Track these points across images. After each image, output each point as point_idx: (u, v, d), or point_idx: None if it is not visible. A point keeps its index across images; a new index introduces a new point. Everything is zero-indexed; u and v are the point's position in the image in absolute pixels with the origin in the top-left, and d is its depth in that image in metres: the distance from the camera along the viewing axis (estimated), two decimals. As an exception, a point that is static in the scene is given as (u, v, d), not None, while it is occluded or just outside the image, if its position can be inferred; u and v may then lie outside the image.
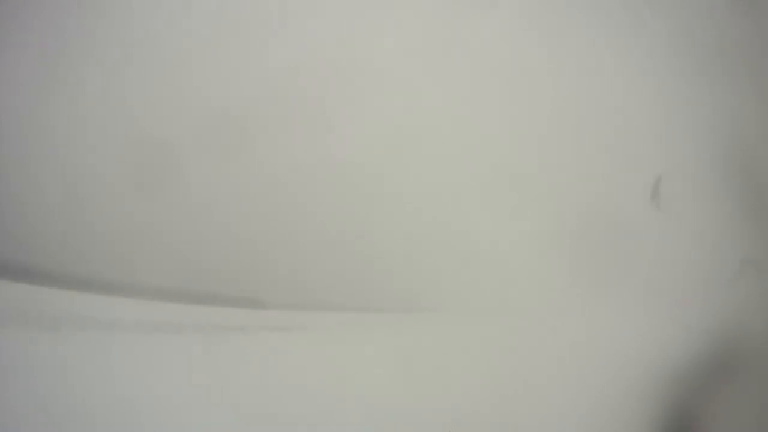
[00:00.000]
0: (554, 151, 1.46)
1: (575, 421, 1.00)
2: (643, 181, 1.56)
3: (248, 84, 1.38)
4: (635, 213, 1.52)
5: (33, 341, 1.24)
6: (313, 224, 1.34)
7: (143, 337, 1.61)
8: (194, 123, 1.36)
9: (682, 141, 1.62)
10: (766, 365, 1.14)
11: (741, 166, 1.66)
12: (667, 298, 1.42)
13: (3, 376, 0.86)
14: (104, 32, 1.44)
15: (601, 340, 1.28)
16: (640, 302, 1.36)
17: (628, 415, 1.05)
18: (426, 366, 1.11)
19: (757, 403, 1.11)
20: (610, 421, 0.95)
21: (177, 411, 0.77)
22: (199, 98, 1.38)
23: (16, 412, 0.61)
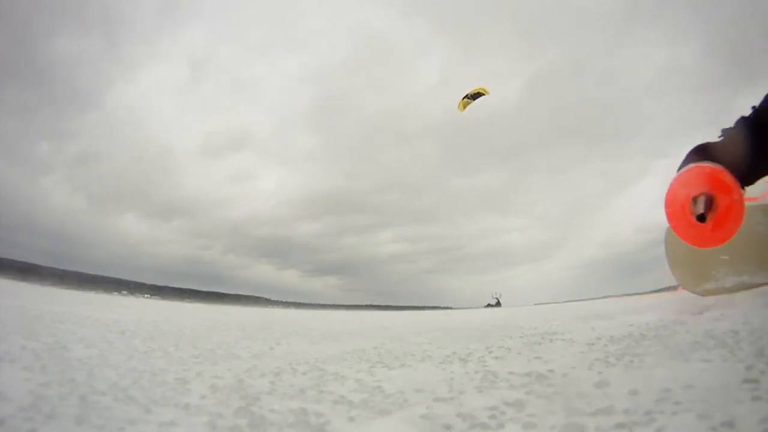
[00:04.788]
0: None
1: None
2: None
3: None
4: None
5: (33, 339, 1.25)
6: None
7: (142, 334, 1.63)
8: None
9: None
10: None
11: None
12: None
13: (3, 372, 0.86)
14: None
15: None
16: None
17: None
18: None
19: None
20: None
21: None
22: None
23: (16, 407, 0.61)
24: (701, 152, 1.62)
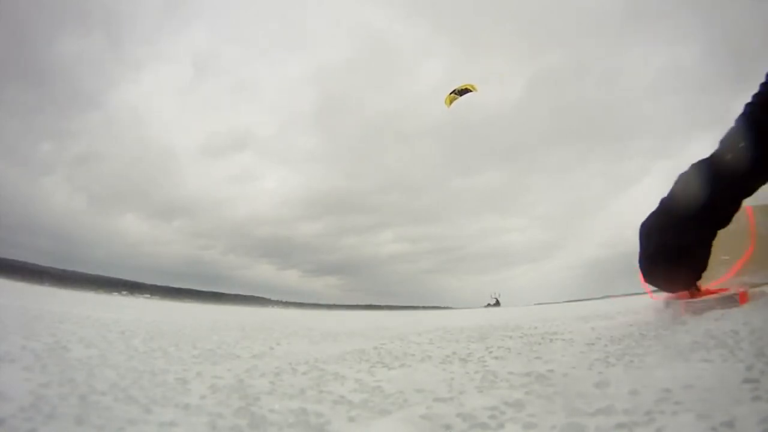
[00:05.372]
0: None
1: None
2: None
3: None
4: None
5: (33, 339, 1.25)
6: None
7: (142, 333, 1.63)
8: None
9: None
10: None
11: None
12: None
13: (3, 372, 0.86)
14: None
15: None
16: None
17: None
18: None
19: None
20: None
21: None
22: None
23: (16, 407, 0.61)
24: (701, 170, 1.64)
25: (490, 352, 1.29)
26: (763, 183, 1.52)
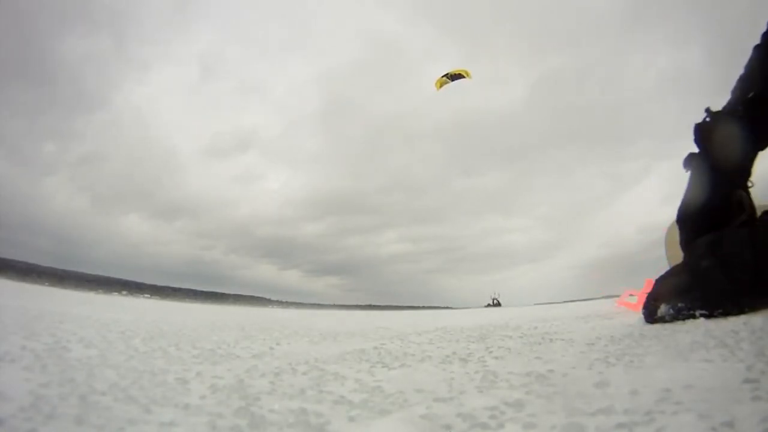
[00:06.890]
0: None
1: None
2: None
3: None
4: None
5: (33, 339, 1.25)
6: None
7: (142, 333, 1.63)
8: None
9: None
10: None
11: None
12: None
13: (3, 372, 0.86)
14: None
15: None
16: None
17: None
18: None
19: None
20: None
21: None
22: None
23: (16, 407, 0.61)
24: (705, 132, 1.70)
25: (490, 352, 1.29)
26: None
